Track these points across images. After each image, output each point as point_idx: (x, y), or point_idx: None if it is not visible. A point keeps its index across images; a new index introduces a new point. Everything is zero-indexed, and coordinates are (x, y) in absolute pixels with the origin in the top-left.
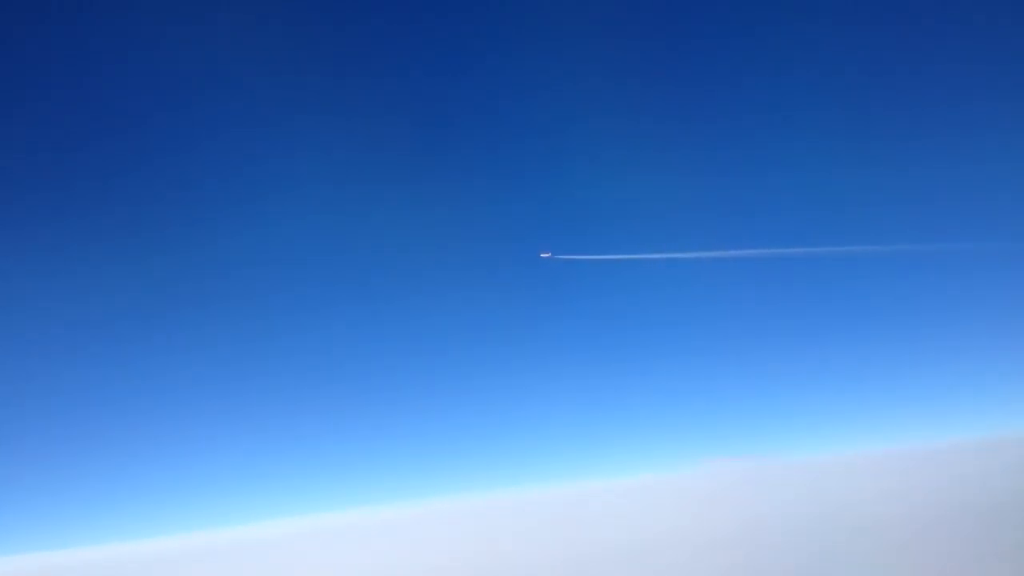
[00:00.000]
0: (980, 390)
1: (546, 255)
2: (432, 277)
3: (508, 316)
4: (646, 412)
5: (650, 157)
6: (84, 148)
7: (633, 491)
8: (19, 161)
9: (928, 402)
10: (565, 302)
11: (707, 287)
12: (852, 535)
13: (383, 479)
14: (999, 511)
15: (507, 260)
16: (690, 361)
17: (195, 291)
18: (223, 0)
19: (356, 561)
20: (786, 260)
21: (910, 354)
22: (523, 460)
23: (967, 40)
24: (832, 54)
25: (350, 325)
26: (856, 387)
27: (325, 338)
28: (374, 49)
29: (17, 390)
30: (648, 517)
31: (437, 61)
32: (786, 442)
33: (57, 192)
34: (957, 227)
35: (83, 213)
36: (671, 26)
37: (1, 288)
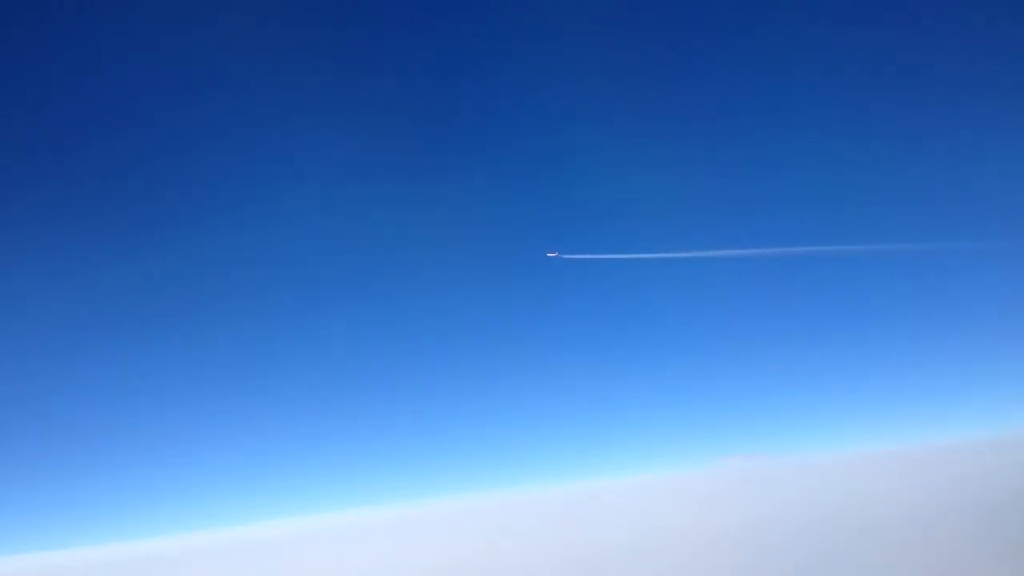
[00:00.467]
0: (995, 388)
1: (553, 255)
2: (437, 277)
3: (520, 316)
4: (662, 410)
5: (658, 157)
6: (84, 148)
7: (648, 489)
8: (19, 161)
9: (941, 400)
10: (576, 301)
11: (717, 286)
12: (860, 533)
13: (405, 477)
14: (1003, 510)
15: (513, 260)
16: (703, 360)
17: (195, 291)
18: (227, 1)
19: (358, 561)
20: (799, 259)
21: (921, 352)
22: (536, 458)
23: (967, 40)
24: (832, 55)
25: (353, 325)
26: (867, 385)
27: (327, 338)
28: (383, 50)
29: (17, 390)
30: (662, 515)
31: (446, 63)
32: (799, 440)
33: (57, 192)
34: (961, 226)
35: (83, 213)
36: (677, 27)
37: (1, 288)
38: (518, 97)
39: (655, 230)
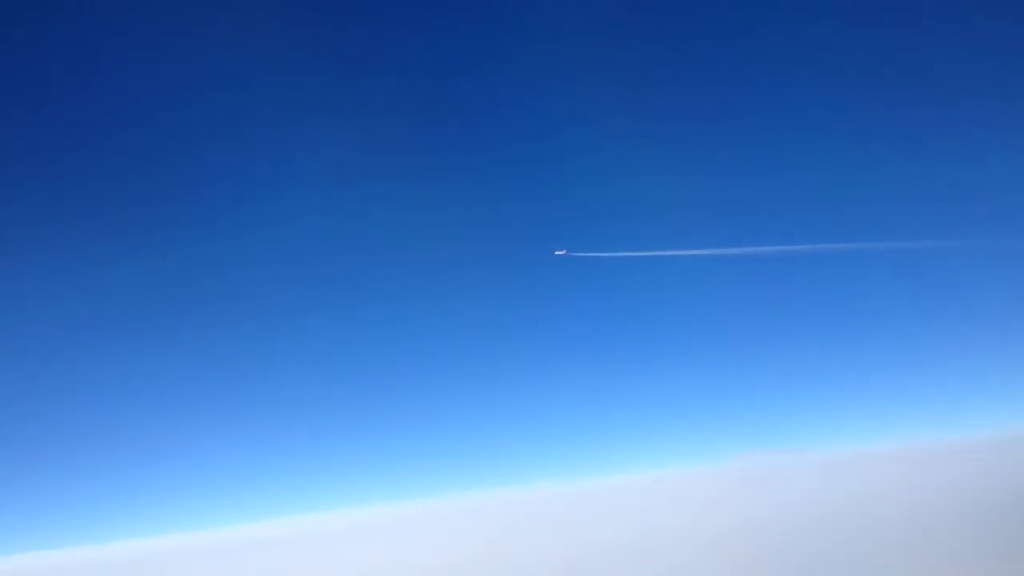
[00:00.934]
0: (1012, 385)
1: (561, 252)
2: (445, 276)
3: (531, 314)
4: (678, 407)
5: (667, 156)
6: (84, 148)
7: (662, 485)
8: (19, 161)
9: (954, 396)
10: (587, 299)
11: (729, 284)
12: (868, 530)
13: (413, 475)
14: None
15: (521, 258)
16: (716, 357)
17: (200, 291)
18: (227, 1)
19: (360, 560)
20: (816, 257)
21: (937, 350)
22: (552, 455)
23: (969, 40)
24: (835, 55)
25: (360, 324)
26: (881, 382)
27: (331, 337)
28: (394, 51)
29: (17, 390)
30: (675, 511)
31: (456, 64)
32: (813, 436)
33: (57, 192)
34: (973, 224)
35: (83, 213)
36: (685, 28)
37: (1, 288)
38: (527, 98)
39: (670, 228)
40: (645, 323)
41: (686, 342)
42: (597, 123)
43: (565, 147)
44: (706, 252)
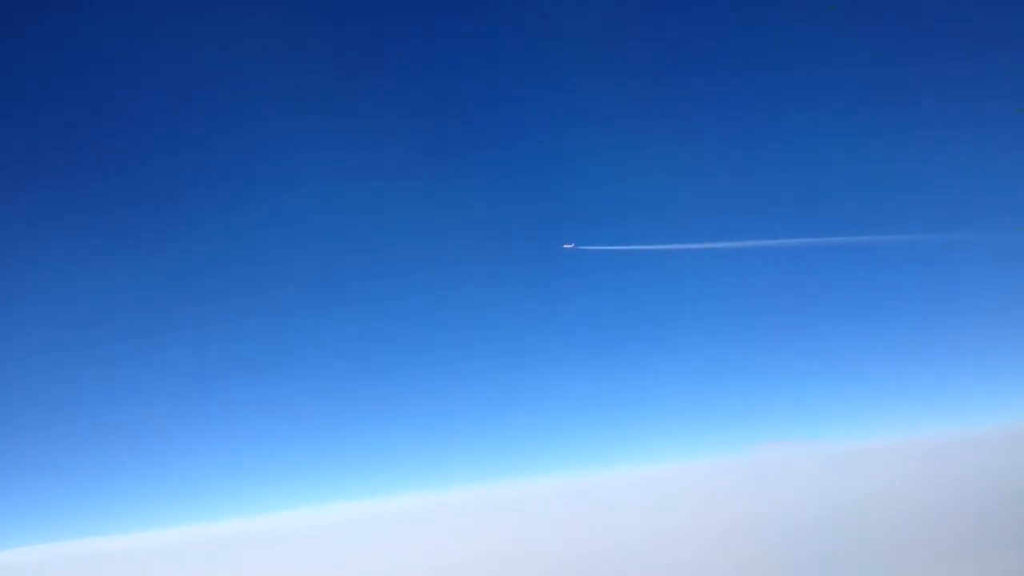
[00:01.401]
0: None
1: (570, 247)
2: (457, 270)
3: (547, 308)
4: (692, 399)
5: (676, 150)
6: (85, 148)
7: (676, 477)
8: (19, 161)
9: (983, 386)
10: (601, 292)
11: (741, 276)
12: (880, 525)
13: (429, 467)
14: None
15: (532, 252)
16: (730, 348)
17: (195, 286)
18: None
19: (372, 551)
20: (830, 249)
21: (957, 340)
22: (566, 448)
23: (968, 34)
24: (836, 52)
25: (369, 320)
26: (899, 372)
27: (342, 333)
28: (401, 48)
29: (16, 385)
30: (688, 503)
31: (464, 60)
32: (830, 428)
33: (57, 192)
34: (991, 216)
35: (84, 213)
36: (693, 23)
37: (1, 287)
38: (535, 93)
39: (681, 221)
40: (657, 316)
41: (699, 335)
42: (606, 117)
43: (574, 141)
44: (718, 245)
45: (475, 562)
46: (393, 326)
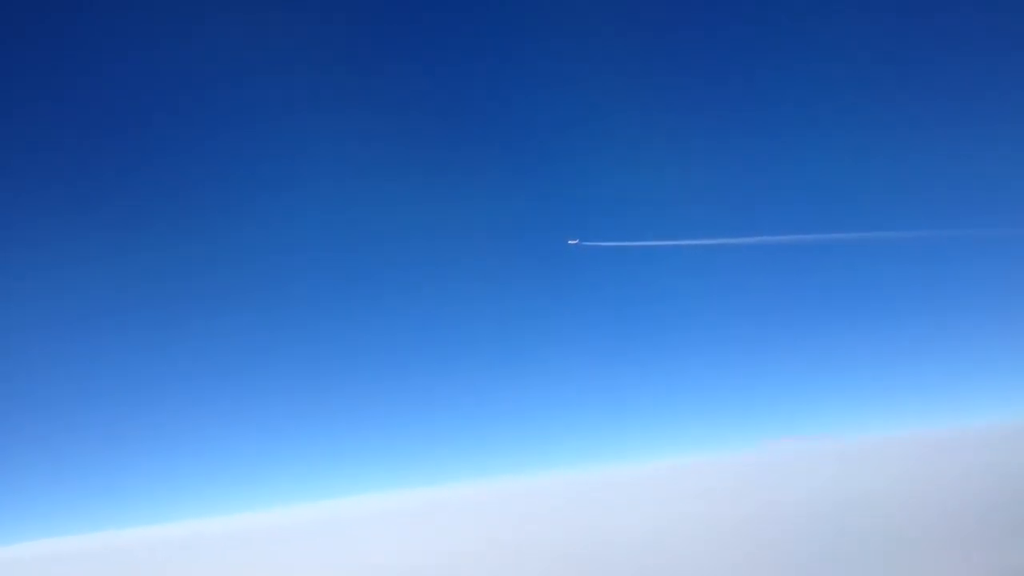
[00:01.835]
0: None
1: (574, 242)
2: (461, 265)
3: (551, 303)
4: (703, 393)
5: (681, 144)
6: (85, 148)
7: (687, 471)
8: (19, 161)
9: (996, 381)
10: (608, 287)
11: (745, 272)
12: (891, 519)
13: (435, 462)
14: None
15: (536, 248)
16: (740, 344)
17: (194, 283)
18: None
19: (380, 547)
20: (837, 245)
21: (969, 334)
22: (575, 442)
23: (969, 30)
24: (839, 47)
25: (373, 315)
26: (912, 367)
27: (344, 330)
28: (404, 43)
29: (15, 381)
30: (699, 497)
31: (466, 56)
32: (843, 423)
33: (57, 192)
34: (1000, 212)
35: (84, 212)
36: (698, 17)
37: (1, 286)
38: (540, 89)
39: (687, 217)
40: (665, 311)
41: (707, 330)
42: (610, 112)
43: (578, 136)
44: (726, 241)
45: (481, 557)
46: (394, 322)
